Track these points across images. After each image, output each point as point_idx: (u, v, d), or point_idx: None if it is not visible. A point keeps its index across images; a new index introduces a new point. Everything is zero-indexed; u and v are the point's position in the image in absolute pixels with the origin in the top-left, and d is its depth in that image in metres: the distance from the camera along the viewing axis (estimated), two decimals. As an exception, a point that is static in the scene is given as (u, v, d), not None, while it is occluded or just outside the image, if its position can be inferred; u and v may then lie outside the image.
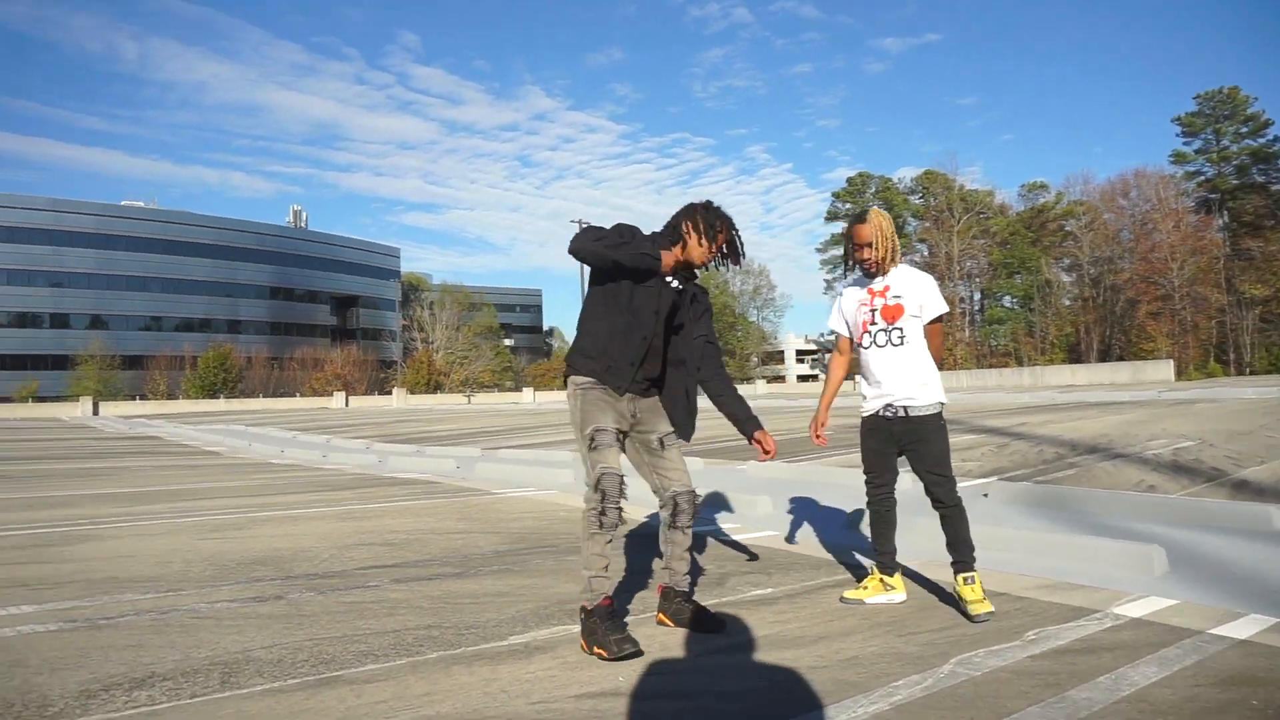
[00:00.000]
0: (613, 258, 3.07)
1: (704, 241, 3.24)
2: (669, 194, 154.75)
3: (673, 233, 3.27)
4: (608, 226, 3.20)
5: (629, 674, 2.71)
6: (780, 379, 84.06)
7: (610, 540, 3.10)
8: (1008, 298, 69.10)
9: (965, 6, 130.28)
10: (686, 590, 3.31)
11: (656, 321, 3.20)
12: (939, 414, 3.46)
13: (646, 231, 3.27)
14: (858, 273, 3.58)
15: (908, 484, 6.81)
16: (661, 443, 3.29)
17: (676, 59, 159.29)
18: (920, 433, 3.43)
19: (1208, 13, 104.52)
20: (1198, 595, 3.52)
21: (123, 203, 76.80)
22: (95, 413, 52.00)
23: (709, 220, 3.24)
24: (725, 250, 3.33)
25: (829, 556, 4.49)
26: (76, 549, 5.16)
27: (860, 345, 3.56)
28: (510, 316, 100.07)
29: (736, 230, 3.32)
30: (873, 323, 3.50)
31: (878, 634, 3.09)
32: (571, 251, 3.14)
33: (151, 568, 4.52)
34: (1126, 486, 6.71)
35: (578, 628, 3.23)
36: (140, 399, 61.41)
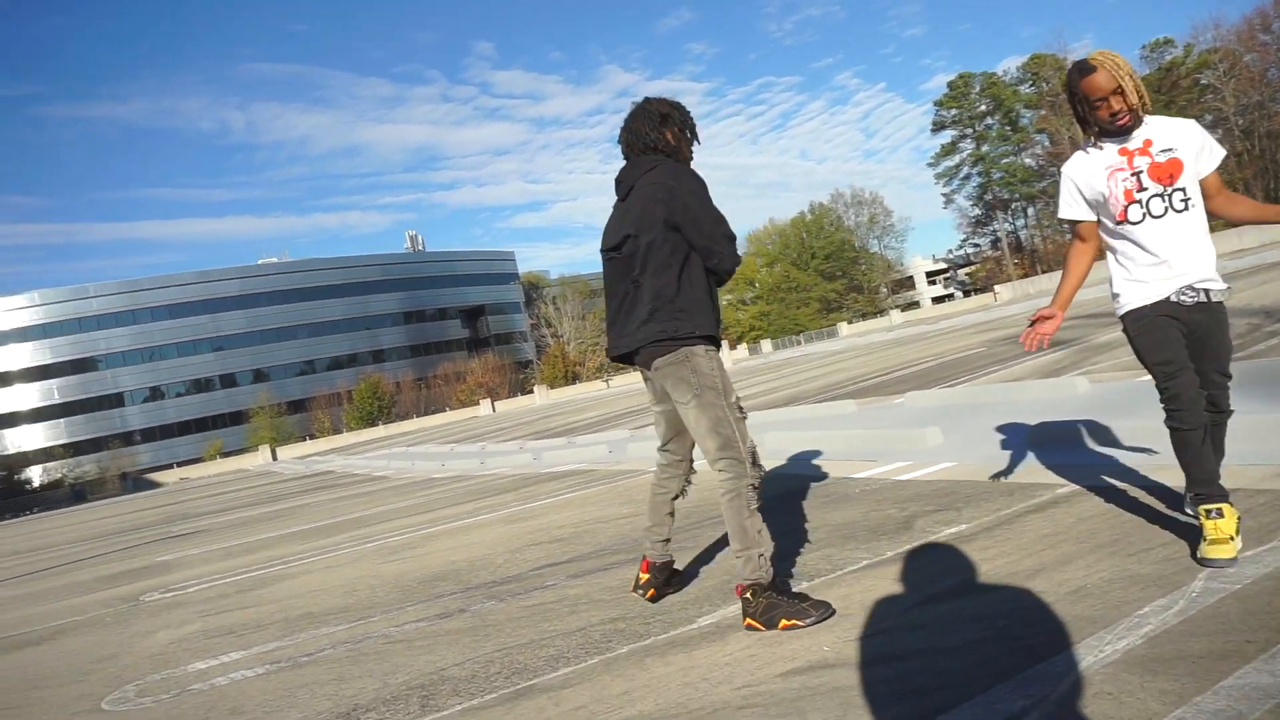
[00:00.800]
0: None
1: (691, 142, 3.21)
2: (764, 142, 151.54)
3: (672, 150, 3.13)
4: (707, 203, 3.01)
5: (834, 642, 2.51)
6: (915, 304, 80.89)
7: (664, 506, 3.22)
8: (1148, 171, 63.64)
9: None
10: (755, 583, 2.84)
11: None
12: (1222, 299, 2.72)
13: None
14: (1091, 144, 2.74)
15: (1083, 387, 6.27)
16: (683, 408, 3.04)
17: (747, 4, 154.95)
18: (1219, 323, 2.69)
19: None
20: None
21: (259, 261, 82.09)
22: (274, 458, 55.98)
23: (684, 121, 3.17)
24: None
25: (1019, 480, 4.12)
26: (273, 589, 5.42)
27: (1127, 221, 2.69)
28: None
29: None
30: (1140, 188, 2.66)
31: (1102, 557, 2.76)
32: (730, 270, 3.06)
33: (341, 598, 4.66)
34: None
35: (766, 599, 3.06)
36: (309, 438, 65.64)
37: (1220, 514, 2.54)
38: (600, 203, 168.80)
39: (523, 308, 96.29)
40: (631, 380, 63.88)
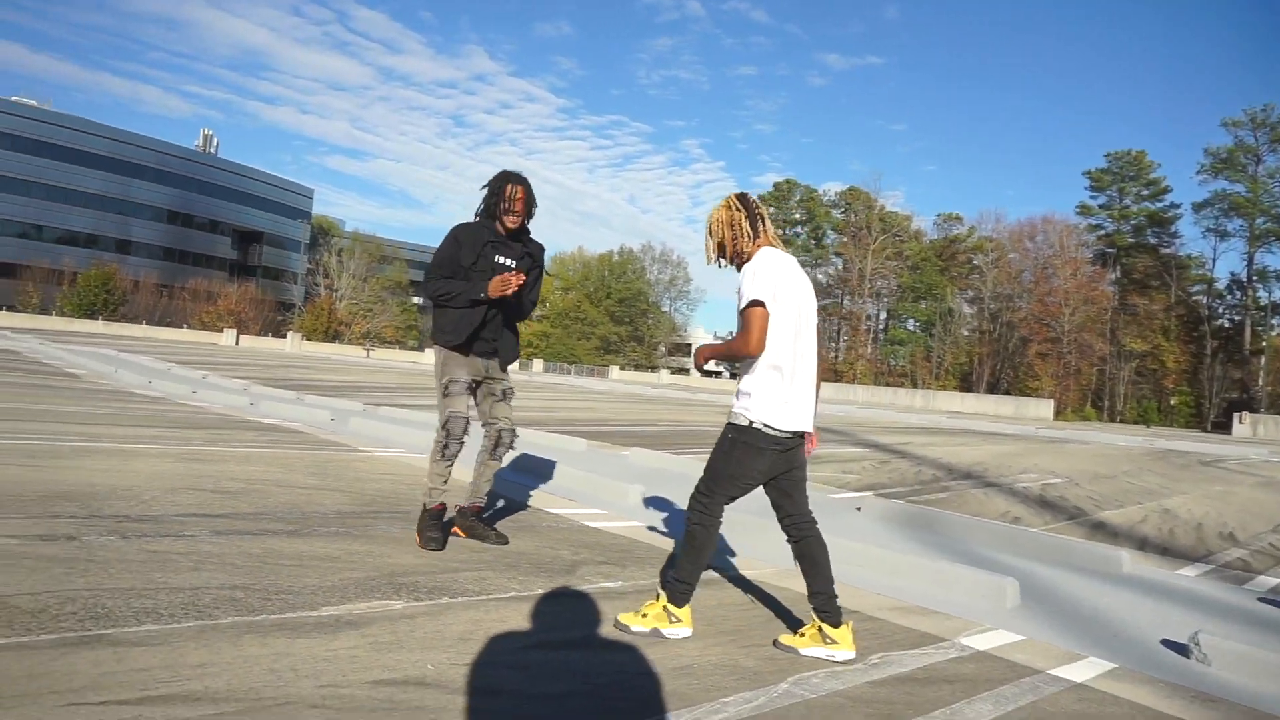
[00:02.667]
0: (454, 306, 3.96)
1: (505, 208, 3.99)
2: (600, 174, 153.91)
3: (487, 212, 4.06)
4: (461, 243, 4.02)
5: (441, 663, 2.45)
6: (685, 371, 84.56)
7: (450, 462, 3.99)
8: (911, 321, 71.29)
9: (909, 36, 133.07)
10: (481, 508, 4.19)
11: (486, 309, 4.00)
12: (735, 425, 2.98)
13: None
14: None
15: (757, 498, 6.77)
16: (503, 393, 4.13)
17: (624, 42, 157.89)
18: (720, 440, 3.04)
19: (1125, 76, 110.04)
20: (1044, 632, 3.49)
21: (12, 98, 71.22)
22: (-45, 318, 48.24)
23: (497, 187, 4.00)
24: (519, 199, 3.99)
25: (690, 554, 4.32)
26: None
27: None
28: (422, 274, 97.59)
29: (517, 183, 4.00)
30: None
31: (719, 643, 2.92)
32: (428, 295, 4.11)
33: (-64, 489, 4.01)
34: (993, 515, 6.81)
35: (401, 604, 2.98)
36: (8, 309, 57.30)
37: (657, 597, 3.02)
38: (424, 175, 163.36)
39: (304, 249, 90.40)
40: (393, 356, 61.58)
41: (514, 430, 4.17)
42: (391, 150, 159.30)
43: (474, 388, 4.09)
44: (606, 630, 2.94)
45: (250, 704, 2.04)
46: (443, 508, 4.01)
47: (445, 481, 4.01)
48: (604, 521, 4.99)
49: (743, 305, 2.89)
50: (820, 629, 2.88)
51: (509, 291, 3.84)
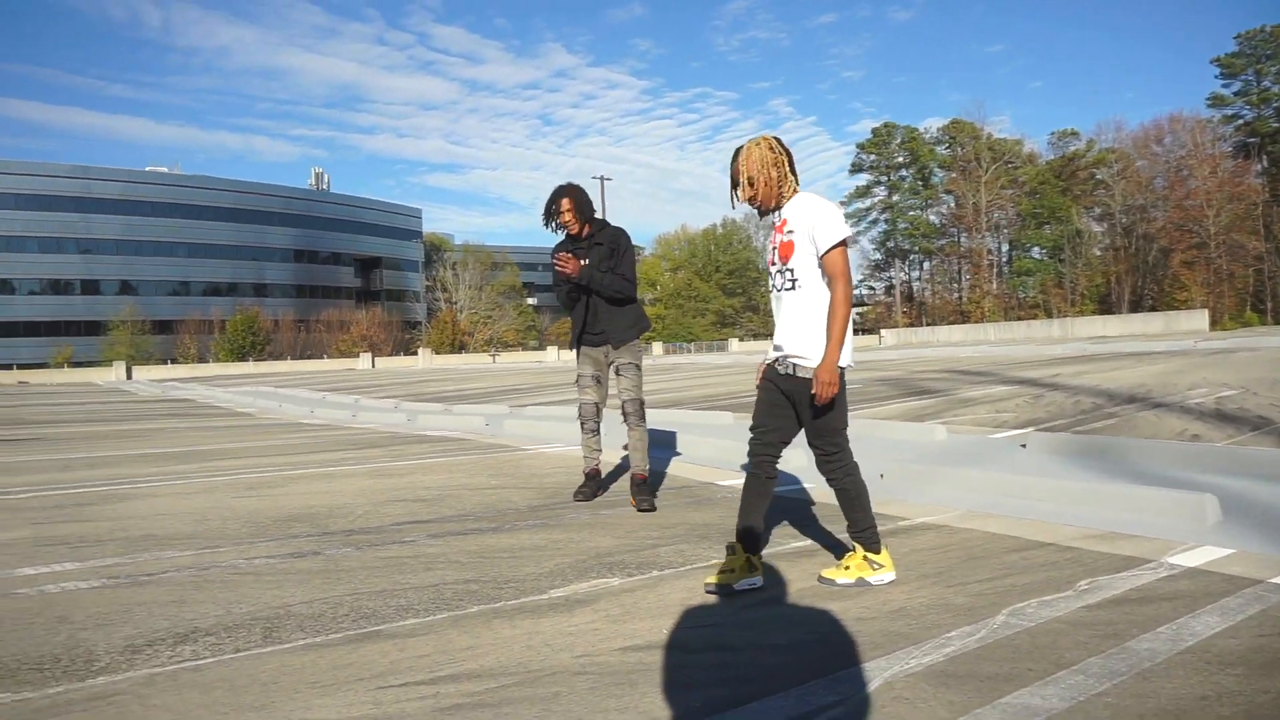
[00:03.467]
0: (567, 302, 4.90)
1: (559, 225, 4.81)
2: (690, 150, 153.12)
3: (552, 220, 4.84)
4: (589, 195, 4.90)
5: (673, 627, 2.67)
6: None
7: (594, 435, 4.94)
8: (1036, 249, 67.87)
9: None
10: (644, 476, 4.74)
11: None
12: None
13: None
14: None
15: (941, 435, 6.73)
16: (617, 369, 4.85)
17: (698, 12, 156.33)
18: (804, 397, 2.95)
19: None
20: (1252, 544, 3.41)
21: (147, 168, 77.14)
22: (129, 377, 52.81)
23: (547, 208, 4.77)
24: (561, 210, 4.73)
25: (868, 508, 4.41)
26: (115, 508, 5.21)
27: (770, 287, 3.17)
28: (533, 275, 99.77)
29: (555, 199, 4.74)
30: (773, 263, 3.08)
31: (924, 585, 3.02)
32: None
33: (189, 525, 4.54)
34: (1169, 435, 6.56)
35: (618, 581, 3.22)
36: (171, 363, 62.29)
37: (733, 551, 3.07)
38: (519, 177, 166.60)
39: (421, 267, 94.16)
40: (517, 358, 63.46)
41: (636, 400, 4.81)
42: (486, 159, 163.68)
43: (601, 376, 4.92)
44: (813, 586, 3.09)
45: (524, 676, 2.30)
46: (594, 471, 4.98)
47: (593, 452, 4.97)
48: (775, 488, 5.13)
49: (833, 244, 2.89)
50: (865, 556, 3.05)
51: (566, 269, 4.60)
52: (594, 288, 4.73)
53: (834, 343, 2.87)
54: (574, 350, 5.02)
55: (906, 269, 77.26)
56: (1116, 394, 10.05)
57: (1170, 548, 3.37)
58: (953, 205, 70.94)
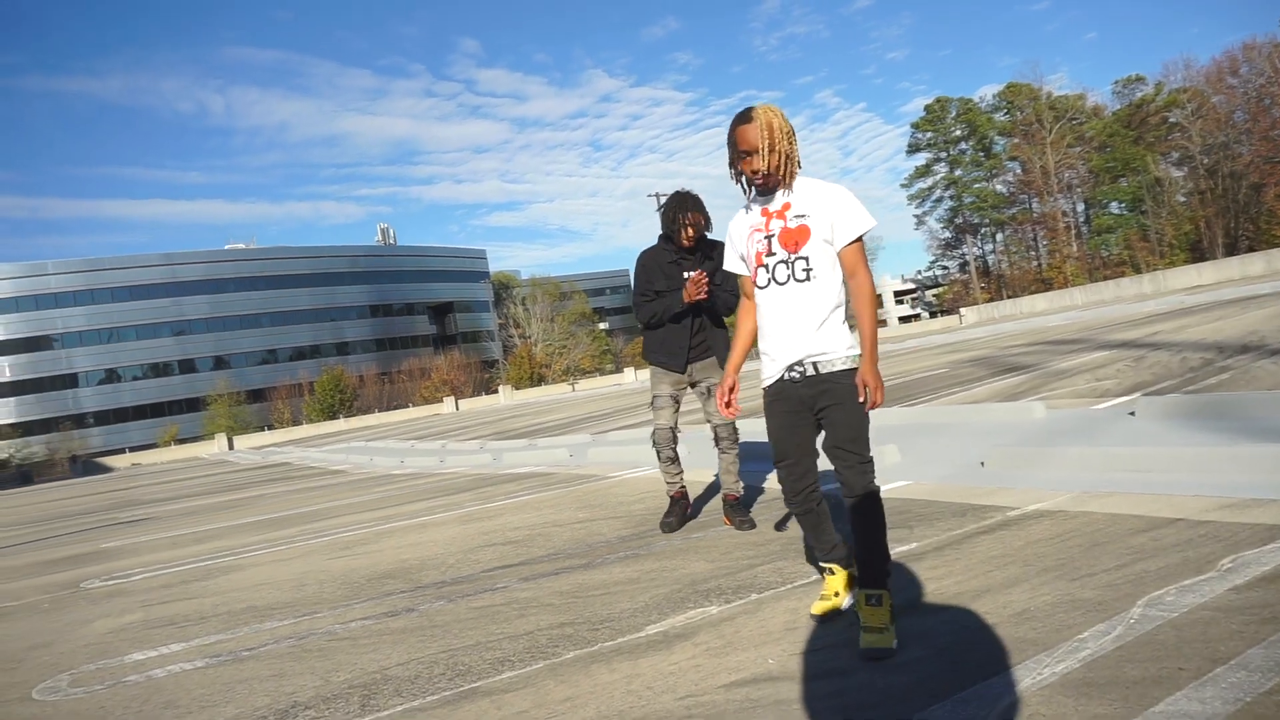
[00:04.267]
0: (662, 323, 4.50)
1: (678, 232, 4.39)
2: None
3: (666, 235, 4.51)
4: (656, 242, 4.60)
5: (779, 655, 2.51)
6: (882, 322, 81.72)
7: (672, 463, 4.64)
8: (1115, 204, 65.01)
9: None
10: (737, 496, 4.57)
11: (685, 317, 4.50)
12: (855, 370, 2.56)
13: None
14: (753, 192, 2.69)
15: (1040, 412, 6.37)
16: (708, 390, 4.56)
17: (733, 16, 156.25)
18: (835, 394, 2.54)
19: None
20: None
21: (227, 246, 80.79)
22: (230, 447, 55.06)
23: (669, 214, 4.41)
24: (688, 224, 4.34)
25: (970, 501, 4.17)
26: (218, 581, 5.31)
27: (756, 286, 2.68)
28: (601, 300, 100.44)
29: (685, 210, 4.35)
30: (769, 253, 2.62)
31: (1047, 580, 2.79)
32: (640, 321, 4.57)
33: (288, 593, 4.58)
34: (1293, 384, 6.07)
35: (716, 609, 3.08)
36: (268, 429, 64.67)
37: (831, 571, 2.81)
38: (577, 206, 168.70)
39: (491, 307, 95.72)
40: (596, 385, 63.79)
41: (730, 423, 4.54)
42: (543, 192, 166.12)
43: (680, 395, 4.59)
44: (925, 592, 2.89)
45: (626, 724, 2.18)
46: (680, 494, 4.69)
47: (675, 476, 4.66)
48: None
49: (859, 235, 2.56)
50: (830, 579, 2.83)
51: (702, 293, 4.24)
52: (720, 309, 4.41)
53: (873, 339, 2.51)
54: (656, 366, 4.59)
55: (979, 243, 75.01)
56: (1227, 345, 9.42)
57: (1319, 509, 3.06)
58: (1019, 172, 68.56)
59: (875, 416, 8.03)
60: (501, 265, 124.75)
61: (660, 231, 4.54)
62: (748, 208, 2.72)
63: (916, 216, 77.21)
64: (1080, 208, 68.27)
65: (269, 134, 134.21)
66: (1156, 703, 1.84)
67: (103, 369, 72.31)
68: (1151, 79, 63.80)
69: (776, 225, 2.61)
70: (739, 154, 2.59)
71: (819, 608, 2.77)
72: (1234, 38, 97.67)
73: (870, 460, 2.59)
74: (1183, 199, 61.07)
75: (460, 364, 74.69)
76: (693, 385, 4.61)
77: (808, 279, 2.57)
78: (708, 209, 4.45)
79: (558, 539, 4.93)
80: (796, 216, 2.58)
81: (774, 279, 2.61)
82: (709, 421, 4.60)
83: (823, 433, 2.64)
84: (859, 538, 2.59)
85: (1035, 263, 69.26)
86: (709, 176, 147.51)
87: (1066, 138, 64.11)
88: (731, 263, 2.82)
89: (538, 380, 72.10)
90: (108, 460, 55.75)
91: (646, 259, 4.54)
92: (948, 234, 75.59)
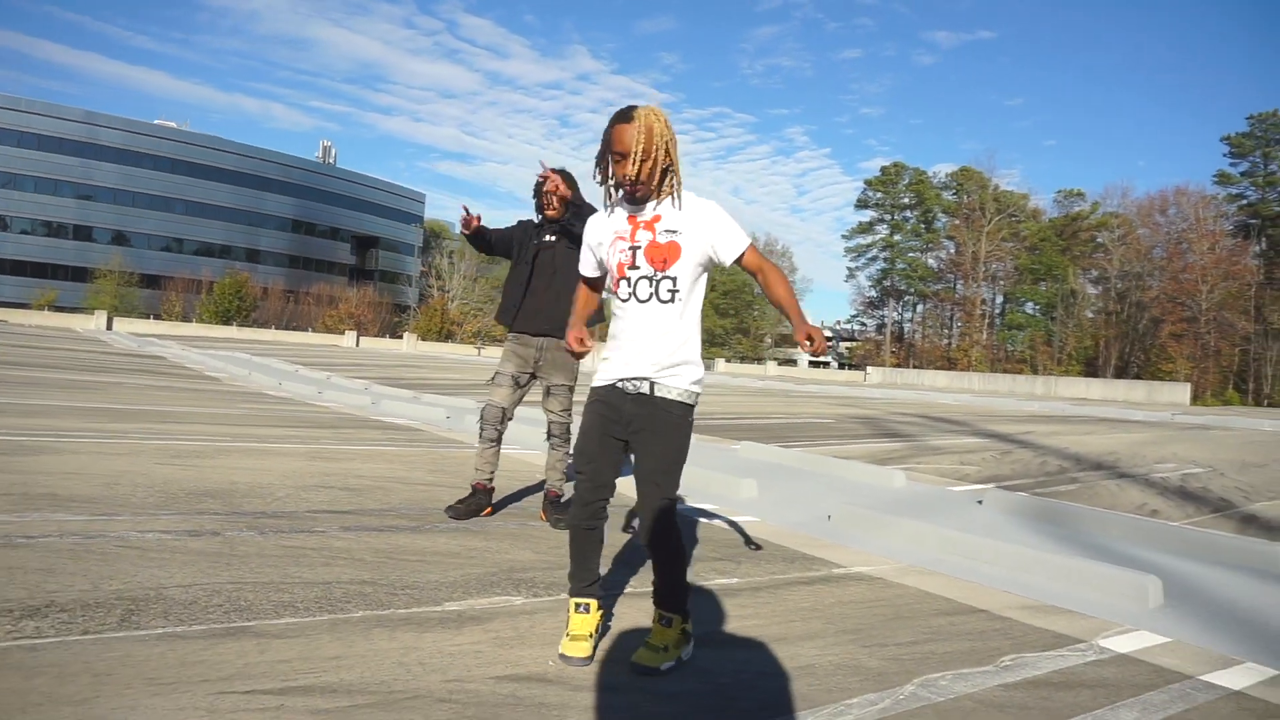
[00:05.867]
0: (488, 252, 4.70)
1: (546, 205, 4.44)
2: (703, 167, 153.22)
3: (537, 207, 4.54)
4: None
5: (561, 664, 2.48)
6: (792, 362, 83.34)
7: (492, 445, 4.42)
8: (1030, 304, 68.11)
9: (1022, 6, 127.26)
10: (557, 494, 4.51)
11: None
12: (690, 407, 2.49)
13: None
14: (619, 195, 2.50)
15: (900, 481, 6.57)
16: (548, 390, 4.52)
17: (726, 33, 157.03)
18: (657, 421, 2.43)
19: (1267, 30, 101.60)
20: (1192, 634, 3.26)
21: (155, 121, 76.55)
22: (109, 327, 52.19)
23: (536, 189, 4.44)
24: (545, 194, 4.39)
25: (804, 550, 4.25)
26: (26, 460, 4.98)
27: (616, 296, 2.53)
28: None
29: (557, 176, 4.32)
30: (633, 265, 2.45)
31: (840, 642, 2.85)
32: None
33: (95, 488, 4.33)
34: (1128, 508, 6.43)
35: (521, 600, 3.04)
36: (154, 318, 61.60)
37: (586, 610, 2.52)
38: (530, 176, 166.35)
39: (418, 252, 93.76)
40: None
41: (564, 424, 4.52)
42: (499, 153, 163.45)
43: (522, 378, 4.48)
44: (725, 628, 2.91)
45: (382, 697, 2.11)
46: (482, 486, 4.42)
47: (486, 464, 4.42)
48: (718, 518, 4.96)
49: (744, 249, 2.48)
50: (684, 629, 2.56)
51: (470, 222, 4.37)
52: (567, 225, 4.27)
53: (798, 308, 2.44)
54: (508, 337, 4.54)
55: (900, 309, 77.46)
56: (1084, 459, 9.94)
57: (1106, 628, 3.22)
58: (952, 251, 71.16)
59: (746, 450, 8.15)
60: (440, 214, 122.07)
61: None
62: (610, 211, 2.55)
63: (849, 269, 79.22)
64: (999, 299, 71.25)
65: (236, 19, 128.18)
66: (890, 779, 1.88)
67: (-11, 213, 67.61)
68: (1091, 196, 67.25)
69: (644, 237, 2.45)
70: (612, 155, 2.41)
71: (572, 649, 2.47)
72: (1171, 180, 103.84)
73: (678, 497, 2.50)
74: (1090, 315, 64.47)
75: (372, 301, 72.75)
76: (536, 377, 4.53)
77: (671, 300, 2.43)
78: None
79: (396, 496, 4.81)
80: (667, 231, 2.43)
81: (635, 295, 2.45)
82: (547, 415, 4.55)
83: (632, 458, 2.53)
84: (662, 567, 2.50)
85: (946, 340, 71.94)
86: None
87: (1003, 231, 66.85)
88: (586, 265, 2.66)
89: (446, 336, 70.83)
90: (-30, 309, 52.13)
91: (520, 223, 4.63)
92: (874, 293, 77.80)
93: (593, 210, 3.92)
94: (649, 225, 2.45)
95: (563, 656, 2.47)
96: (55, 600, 2.59)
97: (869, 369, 60.62)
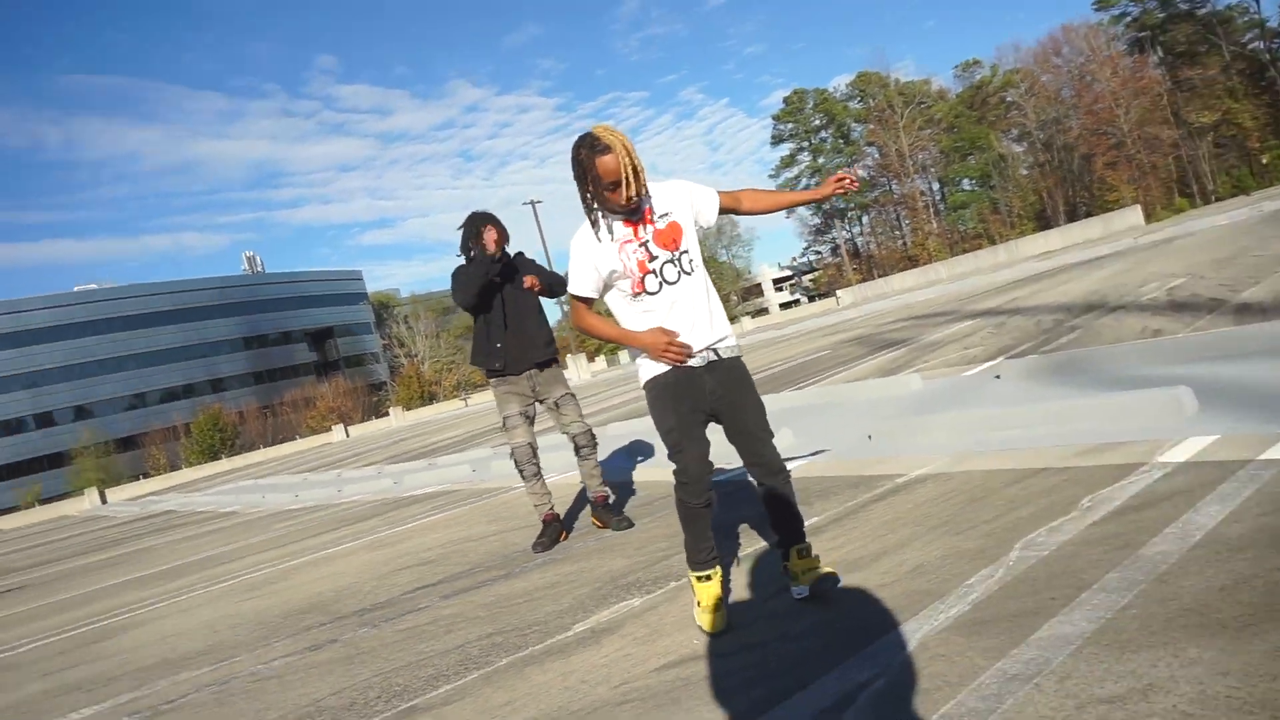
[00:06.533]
0: (478, 284, 4.53)
1: (478, 240, 4.58)
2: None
3: (466, 248, 4.69)
4: (518, 214, 5.07)
5: (703, 637, 2.67)
6: (764, 311, 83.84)
7: (537, 479, 4.68)
8: (966, 180, 68.91)
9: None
10: (605, 497, 4.77)
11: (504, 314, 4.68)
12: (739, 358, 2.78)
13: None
14: (611, 219, 2.66)
15: (917, 384, 6.80)
16: (556, 404, 4.75)
17: (593, 20, 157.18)
18: (739, 377, 2.72)
19: None
20: (1235, 426, 3.50)
21: (75, 288, 75.52)
22: (103, 501, 51.60)
23: (470, 233, 4.62)
24: (482, 236, 4.55)
25: (862, 473, 4.46)
26: (119, 640, 5.10)
27: (645, 293, 2.65)
28: None
29: (484, 224, 4.58)
30: (651, 258, 2.65)
31: (935, 537, 3.06)
32: (460, 304, 4.64)
33: (200, 641, 4.46)
34: (1132, 336, 6.71)
35: (638, 601, 3.22)
36: (144, 477, 60.98)
37: (709, 579, 2.72)
38: (452, 219, 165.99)
39: (374, 328, 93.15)
40: (489, 398, 63.00)
41: (587, 431, 4.75)
42: (416, 207, 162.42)
43: (530, 411, 4.71)
44: (829, 561, 3.11)
45: (566, 716, 2.29)
46: (551, 516, 4.67)
47: (542, 497, 4.69)
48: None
49: (716, 193, 2.85)
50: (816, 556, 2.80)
51: (491, 247, 4.49)
52: (545, 280, 4.62)
53: (800, 194, 2.94)
54: (494, 381, 4.69)
55: (847, 227, 78.05)
56: (1073, 306, 10.25)
57: (1159, 447, 3.45)
58: (877, 156, 71.81)
59: (768, 401, 8.37)
60: (380, 285, 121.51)
61: (460, 254, 4.72)
62: (603, 229, 2.66)
63: (786, 205, 79.54)
64: (936, 187, 72.05)
65: (117, 165, 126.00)
66: (1035, 631, 2.10)
67: (-55, 430, 66.48)
68: (987, 62, 68.05)
69: (647, 231, 2.65)
70: (604, 186, 2.56)
71: (708, 621, 2.66)
72: (1054, 21, 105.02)
73: (772, 436, 2.76)
74: (1025, 172, 65.35)
75: (346, 390, 72.37)
76: (540, 401, 4.74)
77: (692, 272, 2.69)
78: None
79: (473, 554, 4.97)
80: (662, 216, 2.68)
81: (664, 280, 2.65)
82: (566, 432, 4.73)
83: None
84: (782, 506, 2.74)
85: (900, 242, 72.62)
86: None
87: (917, 121, 67.57)
88: (583, 285, 2.70)
89: (429, 399, 70.63)
90: (-39, 530, 51.27)
91: (460, 272, 4.68)
92: (816, 220, 78.35)
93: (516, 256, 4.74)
94: (646, 220, 2.68)
95: (703, 630, 2.67)
96: (231, 743, 2.75)
97: (839, 293, 61.09)
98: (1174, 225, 27.51)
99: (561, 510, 5.55)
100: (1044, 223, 60.74)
